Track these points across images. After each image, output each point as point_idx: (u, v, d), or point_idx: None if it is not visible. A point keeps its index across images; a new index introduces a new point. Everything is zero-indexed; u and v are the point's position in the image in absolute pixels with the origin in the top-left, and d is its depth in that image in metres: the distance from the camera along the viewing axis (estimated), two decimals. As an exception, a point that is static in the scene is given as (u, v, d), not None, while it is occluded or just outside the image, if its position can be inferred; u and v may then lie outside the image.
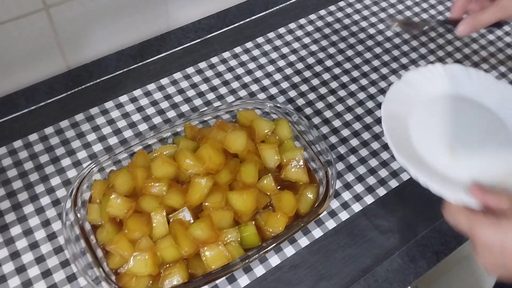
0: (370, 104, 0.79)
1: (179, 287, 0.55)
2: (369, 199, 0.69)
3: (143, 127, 0.74)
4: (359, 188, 0.70)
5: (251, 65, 0.82)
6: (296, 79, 0.81)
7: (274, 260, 0.63)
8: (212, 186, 0.60)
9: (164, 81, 0.79)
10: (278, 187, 0.64)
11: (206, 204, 0.60)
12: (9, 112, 0.74)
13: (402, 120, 0.61)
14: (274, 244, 0.59)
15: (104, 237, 0.59)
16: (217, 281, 0.60)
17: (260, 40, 0.86)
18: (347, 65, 0.84)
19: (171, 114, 0.75)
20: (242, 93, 0.79)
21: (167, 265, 0.57)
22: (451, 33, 0.90)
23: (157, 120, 0.75)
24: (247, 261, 0.57)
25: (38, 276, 0.60)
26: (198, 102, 0.77)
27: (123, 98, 0.76)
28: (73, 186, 0.61)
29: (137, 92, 0.77)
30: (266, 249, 0.58)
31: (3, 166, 0.68)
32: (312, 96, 0.79)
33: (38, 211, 0.65)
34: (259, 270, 0.62)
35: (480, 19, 0.63)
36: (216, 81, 0.80)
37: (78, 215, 0.60)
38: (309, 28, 0.88)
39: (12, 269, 0.60)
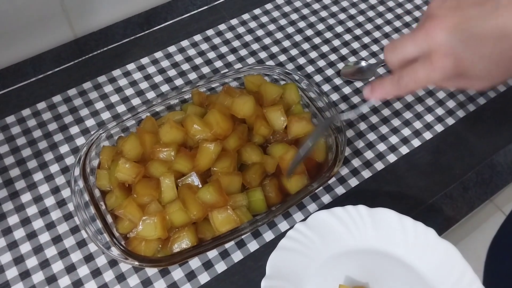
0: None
1: (188, 250, 0.55)
2: (379, 166, 0.68)
3: (151, 95, 0.73)
4: (369, 154, 0.69)
5: (260, 32, 0.81)
6: (306, 45, 0.80)
7: (283, 226, 0.62)
8: (220, 151, 0.59)
9: (172, 49, 0.78)
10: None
11: (215, 169, 0.59)
12: (17, 81, 0.74)
13: None
14: (283, 209, 0.58)
15: (113, 203, 0.59)
16: (226, 246, 0.60)
17: (268, 6, 0.84)
18: (358, 31, 0.82)
19: (178, 82, 0.74)
20: (250, 60, 0.77)
21: (176, 229, 0.57)
22: None
23: (164, 88, 0.74)
24: (256, 225, 0.57)
25: (48, 242, 0.60)
26: (205, 70, 0.76)
27: (131, 66, 0.76)
28: (81, 153, 0.61)
29: (145, 60, 0.77)
30: (275, 214, 0.58)
31: (12, 134, 0.68)
32: (321, 63, 0.78)
33: (47, 179, 0.65)
34: (268, 235, 0.62)
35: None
36: (224, 49, 0.79)
37: (87, 181, 0.60)
38: (319, -6, 0.87)
39: (23, 235, 0.61)
